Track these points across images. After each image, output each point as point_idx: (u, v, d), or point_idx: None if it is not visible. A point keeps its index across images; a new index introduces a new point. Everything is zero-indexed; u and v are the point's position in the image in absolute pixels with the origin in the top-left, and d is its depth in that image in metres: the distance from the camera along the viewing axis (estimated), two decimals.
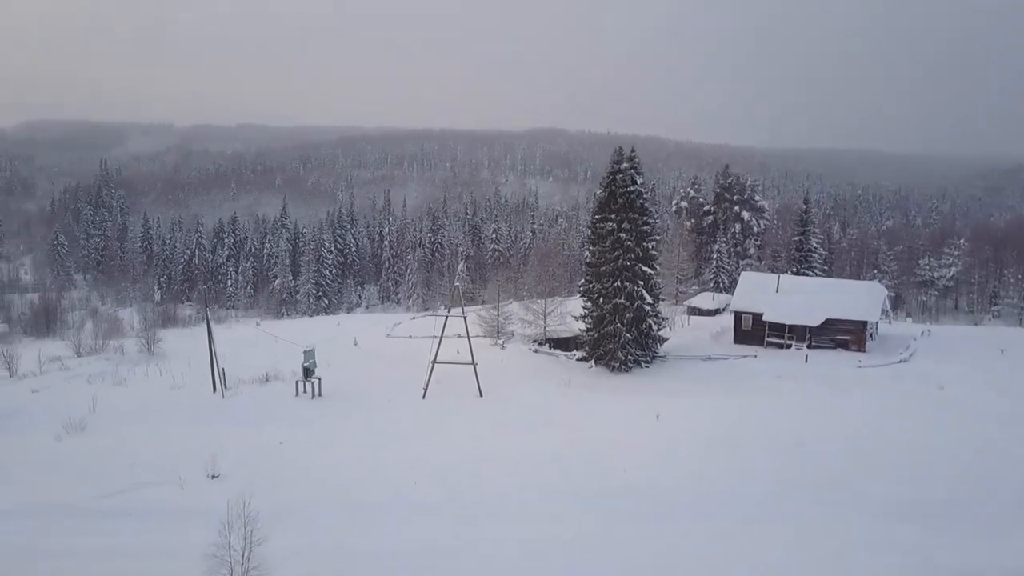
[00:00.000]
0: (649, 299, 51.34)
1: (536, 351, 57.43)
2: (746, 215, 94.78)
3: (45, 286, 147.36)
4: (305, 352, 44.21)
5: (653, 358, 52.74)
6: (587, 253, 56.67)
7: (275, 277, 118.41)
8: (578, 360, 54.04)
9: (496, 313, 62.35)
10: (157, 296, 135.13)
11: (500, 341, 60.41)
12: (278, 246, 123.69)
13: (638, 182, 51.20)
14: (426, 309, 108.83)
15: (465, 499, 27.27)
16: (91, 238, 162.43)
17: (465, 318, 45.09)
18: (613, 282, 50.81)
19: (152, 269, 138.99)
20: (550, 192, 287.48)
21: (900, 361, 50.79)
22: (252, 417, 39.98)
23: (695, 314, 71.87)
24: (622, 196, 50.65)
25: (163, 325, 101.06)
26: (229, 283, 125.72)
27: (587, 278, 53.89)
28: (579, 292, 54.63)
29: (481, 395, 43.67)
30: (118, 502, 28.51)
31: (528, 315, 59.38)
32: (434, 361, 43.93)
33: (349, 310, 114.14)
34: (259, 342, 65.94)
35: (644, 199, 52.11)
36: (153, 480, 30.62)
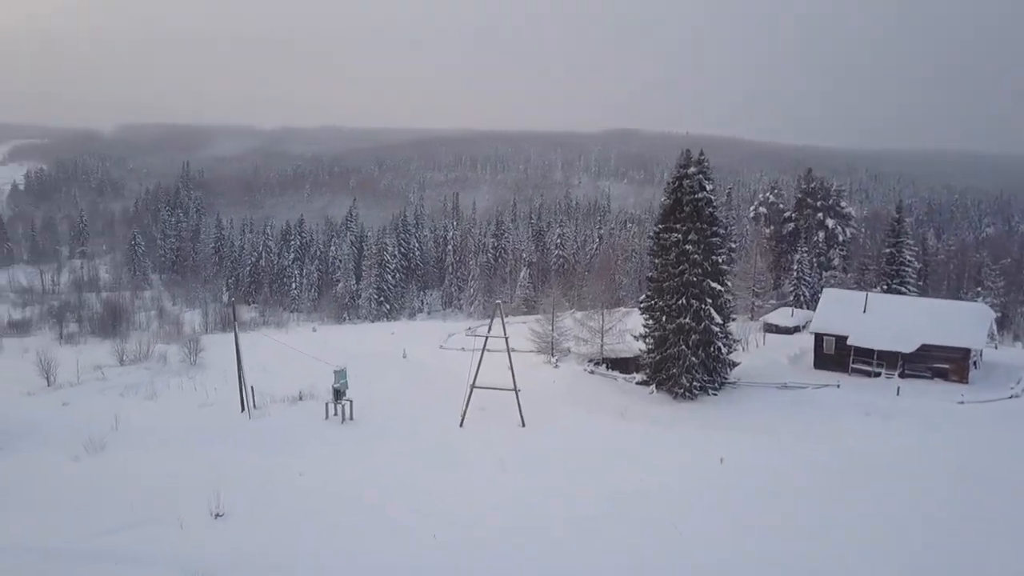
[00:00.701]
0: (718, 319, 46.21)
1: (592, 372, 52.92)
2: (830, 222, 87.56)
3: (121, 285, 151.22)
4: (336, 372, 40.95)
5: (722, 384, 47.54)
6: (650, 266, 51.89)
7: (338, 281, 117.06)
8: (637, 384, 49.35)
9: (550, 328, 57.91)
10: (225, 298, 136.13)
11: (554, 359, 56.09)
12: (341, 249, 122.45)
13: (707, 188, 46.10)
14: (487, 317, 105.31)
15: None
16: (167, 239, 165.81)
17: (507, 339, 40.95)
18: (677, 299, 45.92)
19: (222, 270, 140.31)
20: (623, 194, 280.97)
21: (1011, 397, 44.06)
22: (274, 443, 36.92)
23: (771, 331, 65.83)
24: (689, 204, 45.70)
25: (223, 329, 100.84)
26: (293, 286, 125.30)
27: (649, 294, 49.10)
28: (640, 309, 49.76)
29: (524, 425, 39.53)
30: (103, 544, 25.52)
31: (584, 332, 54.80)
32: (472, 386, 40.03)
33: (411, 316, 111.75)
34: (308, 349, 63.79)
35: (713, 207, 47.00)
36: (151, 517, 27.55)
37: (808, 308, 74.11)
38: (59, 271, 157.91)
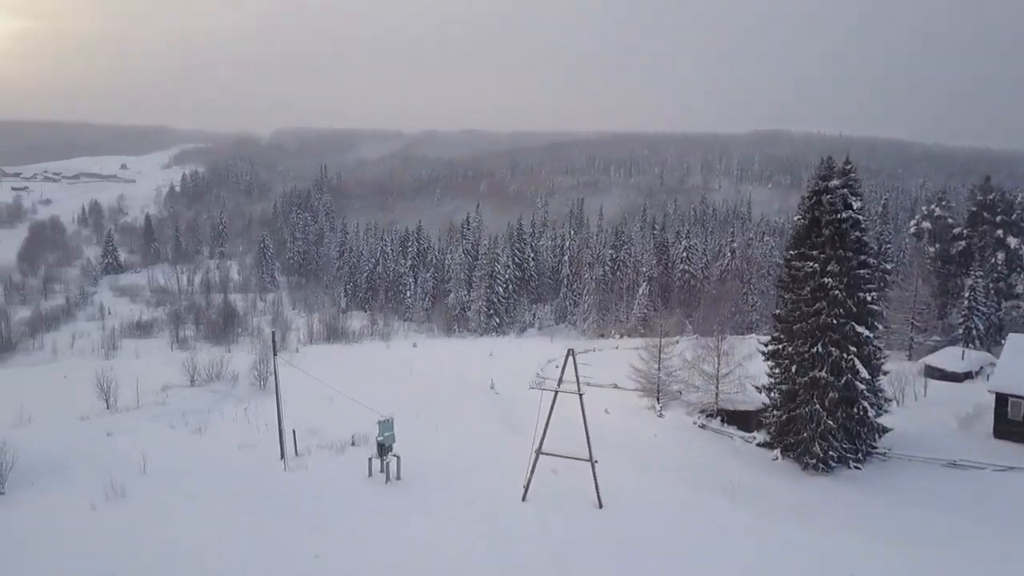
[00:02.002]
0: (864, 373, 36.22)
1: (703, 426, 43.92)
2: (1013, 241, 72.99)
3: (248, 287, 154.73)
4: (381, 423, 34.56)
5: (867, 455, 37.48)
6: (776, 301, 42.35)
7: (450, 291, 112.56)
8: (758, 445, 40.00)
9: (656, 367, 49.21)
10: (342, 303, 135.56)
11: (658, 406, 47.44)
12: (455, 257, 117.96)
13: (854, 206, 36.16)
14: (600, 336, 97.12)
15: None
16: (295, 242, 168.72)
17: (581, 396, 33.01)
18: (811, 346, 36.38)
19: (341, 275, 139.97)
20: (767, 200, 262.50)
21: None
22: (299, 507, 31.05)
23: (935, 377, 53.90)
24: (829, 226, 36.00)
25: (328, 338, 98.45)
26: (408, 294, 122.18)
27: (776, 335, 39.64)
28: (763, 354, 40.34)
29: (600, 506, 31.55)
30: None
31: (697, 378, 45.71)
32: (538, 452, 32.49)
33: (521, 330, 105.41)
34: (396, 369, 58.54)
35: (862, 231, 36.99)
36: None
37: (982, 347, 61.10)
38: (195, 272, 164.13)
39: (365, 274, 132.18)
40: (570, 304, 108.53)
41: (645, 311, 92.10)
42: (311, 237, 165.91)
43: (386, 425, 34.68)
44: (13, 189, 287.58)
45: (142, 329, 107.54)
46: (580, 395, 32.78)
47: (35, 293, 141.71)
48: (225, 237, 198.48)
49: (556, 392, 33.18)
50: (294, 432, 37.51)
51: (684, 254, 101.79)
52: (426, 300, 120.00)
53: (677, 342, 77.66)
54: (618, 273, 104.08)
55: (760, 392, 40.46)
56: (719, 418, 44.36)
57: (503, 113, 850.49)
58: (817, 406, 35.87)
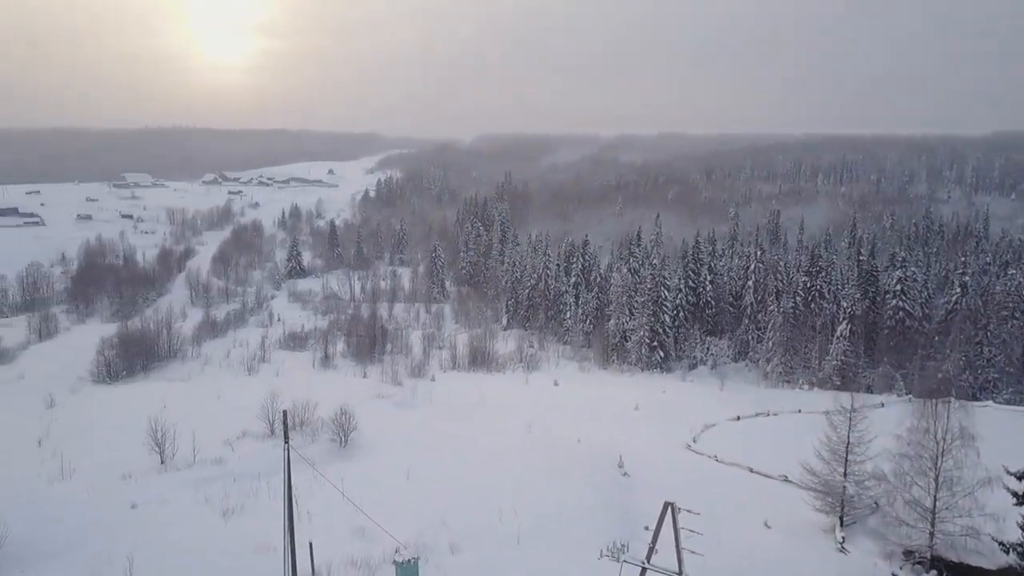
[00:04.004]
0: None
1: None
2: None
3: (417, 297, 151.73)
4: (399, 565, 24.31)
5: None
6: None
7: (610, 316, 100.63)
8: None
9: (842, 473, 34.82)
10: (503, 320, 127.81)
11: (839, 533, 33.21)
12: (620, 275, 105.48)
13: None
14: (786, 382, 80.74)
15: None
16: (468, 252, 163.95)
17: (680, 554, 20.61)
18: None
19: (504, 290, 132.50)
20: (1010, 213, 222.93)
21: None
22: None
23: None
24: None
25: (472, 363, 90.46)
26: (568, 315, 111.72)
27: None
28: (1016, 495, 25.36)
29: None
30: None
31: (903, 510, 31.00)
32: None
33: (691, 367, 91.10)
34: (509, 423, 48.36)
35: None
36: None
37: None
38: (368, 278, 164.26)
39: (527, 290, 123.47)
40: (752, 339, 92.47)
41: (843, 358, 74.81)
42: (480, 248, 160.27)
43: (408, 570, 24.39)
44: (229, 193, 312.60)
45: (297, 341, 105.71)
46: (679, 554, 20.40)
47: (220, 296, 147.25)
48: (404, 244, 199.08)
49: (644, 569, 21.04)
50: (311, 547, 28.25)
51: (898, 287, 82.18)
52: (587, 323, 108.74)
53: (882, 405, 60.84)
54: (812, 306, 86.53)
55: (1008, 552, 25.55)
56: (934, 572, 29.53)
57: (705, 115, 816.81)
58: None
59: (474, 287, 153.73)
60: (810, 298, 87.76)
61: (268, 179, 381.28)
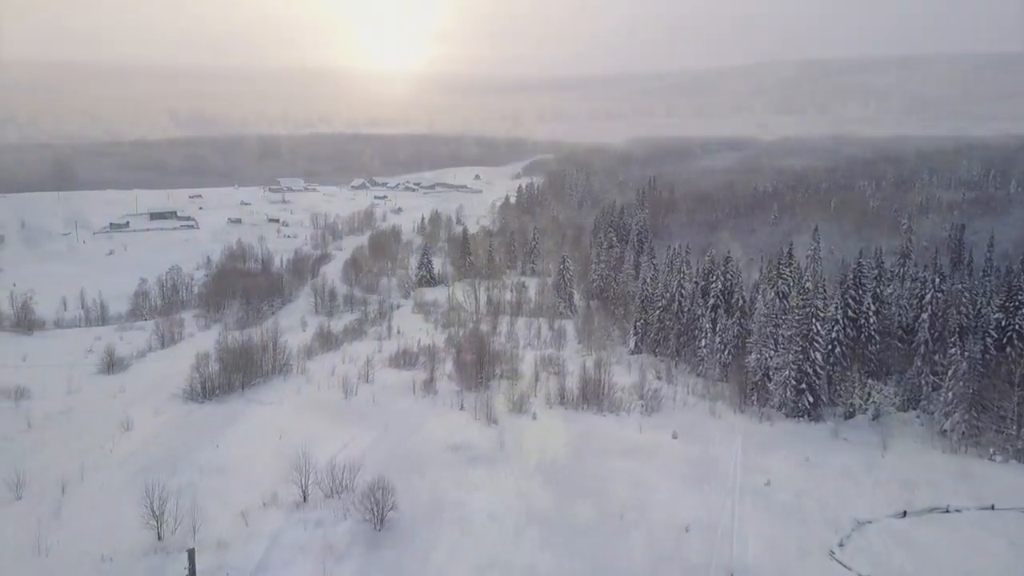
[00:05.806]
0: None
1: None
2: None
3: (541, 311, 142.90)
4: None
5: None
6: None
7: (751, 349, 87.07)
8: None
9: None
10: (631, 343, 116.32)
11: None
12: (766, 300, 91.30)
13: None
14: (971, 446, 64.54)
15: None
16: (599, 263, 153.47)
17: None
18: None
19: (632, 310, 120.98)
20: None
21: None
22: None
23: None
24: None
25: (582, 400, 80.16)
26: (703, 343, 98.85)
27: None
28: None
29: None
30: None
31: None
32: None
33: (847, 416, 76.18)
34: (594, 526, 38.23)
35: None
36: None
37: None
38: (493, 289, 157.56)
39: (658, 311, 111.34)
40: (926, 386, 76.03)
41: None
42: (612, 260, 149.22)
43: None
44: (375, 198, 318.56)
45: (407, 359, 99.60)
46: None
47: (345, 305, 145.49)
48: (537, 253, 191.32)
49: None
50: None
51: None
52: (725, 353, 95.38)
53: None
54: (1008, 350, 69.31)
55: None
56: None
57: (878, 113, 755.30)
58: None
59: (603, 303, 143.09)
60: (1005, 340, 70.41)
61: (414, 184, 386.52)
